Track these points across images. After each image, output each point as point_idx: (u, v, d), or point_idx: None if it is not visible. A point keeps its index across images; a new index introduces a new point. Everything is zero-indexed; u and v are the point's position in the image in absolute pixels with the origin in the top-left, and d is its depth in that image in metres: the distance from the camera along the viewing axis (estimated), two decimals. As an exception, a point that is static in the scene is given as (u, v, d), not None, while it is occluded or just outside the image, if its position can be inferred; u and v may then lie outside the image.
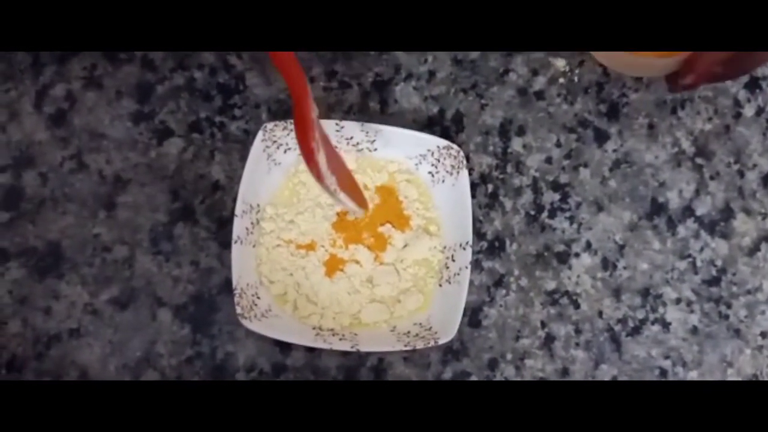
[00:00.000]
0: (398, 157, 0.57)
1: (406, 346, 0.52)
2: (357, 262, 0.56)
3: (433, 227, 0.57)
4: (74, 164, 0.57)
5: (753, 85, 0.63)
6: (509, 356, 0.58)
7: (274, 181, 0.56)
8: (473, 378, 0.58)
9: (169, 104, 0.58)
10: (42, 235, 0.56)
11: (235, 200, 0.53)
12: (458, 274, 0.54)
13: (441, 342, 0.52)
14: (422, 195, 0.58)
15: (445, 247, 0.56)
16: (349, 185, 0.51)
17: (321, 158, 0.44)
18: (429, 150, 0.56)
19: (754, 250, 0.60)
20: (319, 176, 0.43)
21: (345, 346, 0.52)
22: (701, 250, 0.60)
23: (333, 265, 0.55)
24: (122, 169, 0.57)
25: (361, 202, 0.52)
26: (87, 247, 0.56)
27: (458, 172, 0.55)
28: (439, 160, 0.57)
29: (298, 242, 0.56)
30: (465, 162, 0.55)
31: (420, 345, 0.52)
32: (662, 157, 0.60)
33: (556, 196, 0.58)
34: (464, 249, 0.55)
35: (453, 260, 0.55)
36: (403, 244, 0.56)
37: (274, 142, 0.54)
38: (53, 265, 0.56)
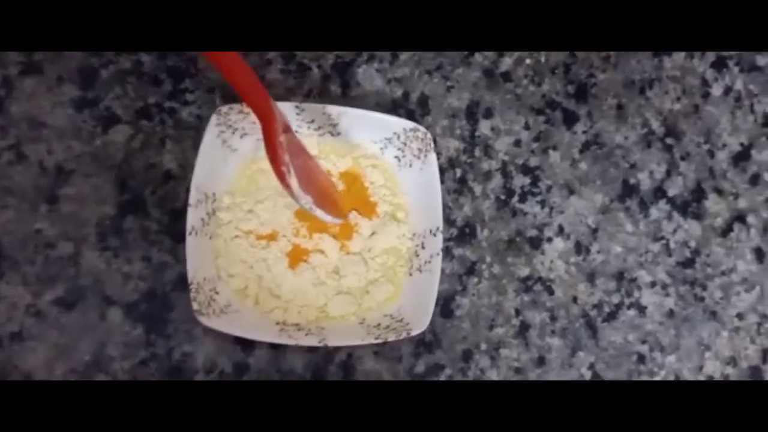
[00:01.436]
0: (363, 141, 0.54)
1: (377, 339, 0.49)
2: (322, 252, 0.52)
3: (401, 214, 0.53)
4: (12, 155, 0.53)
5: (720, 65, 0.61)
6: (484, 346, 0.55)
7: (230, 168, 0.52)
8: (447, 370, 0.54)
9: (114, 89, 0.54)
10: (-21, 232, 0.52)
11: (188, 190, 0.49)
12: (429, 262, 0.51)
13: (414, 333, 0.49)
14: (388, 180, 0.54)
15: (414, 234, 0.53)
16: (326, 197, 0.49)
17: (293, 182, 0.43)
18: (395, 133, 0.53)
19: (727, 230, 0.58)
20: (293, 197, 0.43)
21: (312, 342, 0.48)
22: (674, 231, 0.58)
23: (296, 256, 0.51)
24: (65, 160, 0.53)
25: (338, 212, 0.50)
26: (28, 244, 0.52)
27: (426, 156, 0.52)
28: (405, 144, 0.53)
29: (258, 233, 0.51)
30: (433, 144, 0.52)
31: (392, 337, 0.49)
32: (632, 138, 0.59)
33: (527, 180, 0.57)
34: (434, 235, 0.51)
35: (423, 248, 0.52)
36: (371, 232, 0.53)
37: (230, 126, 0.50)
38: (-9, 264, 0.52)
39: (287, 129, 0.44)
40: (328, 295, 0.51)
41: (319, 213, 0.46)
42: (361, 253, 0.53)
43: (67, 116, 0.54)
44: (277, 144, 0.41)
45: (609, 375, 0.56)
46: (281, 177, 0.42)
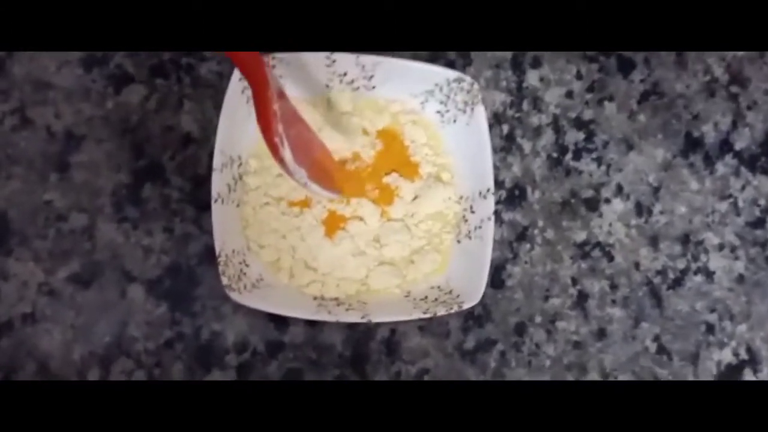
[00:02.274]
0: (401, 95, 0.48)
1: (425, 313, 0.43)
2: (361, 218, 0.46)
3: (446, 174, 0.48)
4: (17, 120, 0.49)
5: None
6: (538, 319, 0.49)
7: (256, 128, 0.46)
8: (499, 346, 0.49)
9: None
10: (-17, 205, 0.47)
11: (210, 155, 0.44)
12: (479, 228, 0.45)
13: (465, 307, 0.44)
14: (431, 138, 0.48)
15: (461, 198, 0.47)
16: (322, 169, 0.44)
17: (287, 154, 0.39)
18: (437, 84, 0.47)
19: (802, 185, 0.52)
20: (286, 171, 0.40)
21: (354, 318, 0.43)
22: (742, 188, 0.53)
23: (333, 224, 0.46)
24: (74, 124, 0.49)
25: (333, 185, 0.45)
26: (38, 217, 0.48)
27: (472, 109, 0.46)
28: (448, 96, 0.47)
29: (290, 199, 0.46)
30: (480, 96, 0.46)
31: (441, 311, 0.43)
32: (694, 87, 0.54)
33: (580, 135, 0.52)
34: (484, 198, 0.46)
35: (472, 212, 0.46)
36: (413, 196, 0.47)
37: None
38: (-1, 239, 0.47)
39: (281, 95, 0.40)
40: (369, 266, 0.46)
41: (314, 187, 0.42)
42: (404, 219, 0.47)
43: (75, 76, 0.49)
44: (270, 113, 0.38)
45: (675, 347, 0.51)
46: (274, 149, 0.39)
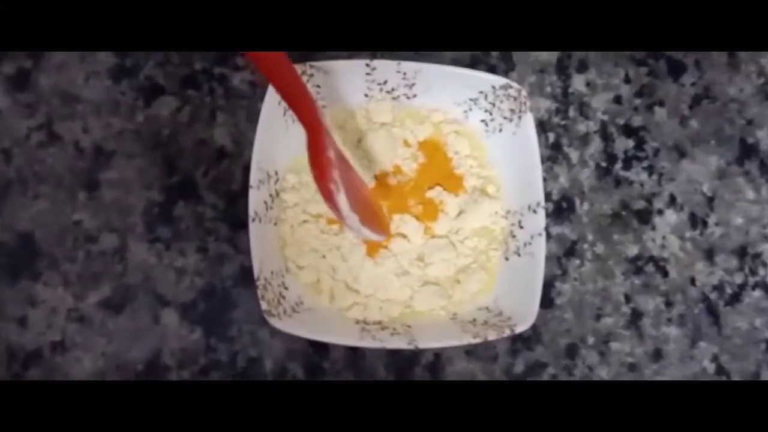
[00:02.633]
0: (443, 103, 0.46)
1: (475, 337, 0.41)
2: (404, 236, 0.44)
3: (492, 188, 0.45)
4: (43, 136, 0.47)
5: None
6: (591, 340, 0.47)
7: (293, 141, 0.44)
8: (550, 369, 0.46)
9: (155, 55, 0.45)
10: (10, 225, 0.46)
11: (245, 170, 0.41)
12: (529, 244, 0.43)
13: (518, 330, 0.41)
14: (475, 149, 0.46)
15: (508, 212, 0.45)
16: (371, 211, 0.41)
17: (341, 199, 0.36)
18: (481, 92, 0.44)
19: None
20: (340, 218, 0.37)
21: (400, 344, 0.41)
22: None
23: (374, 242, 0.43)
24: (104, 139, 0.47)
25: (383, 227, 0.42)
26: (67, 238, 0.46)
27: (520, 118, 0.44)
28: (494, 105, 0.45)
29: (330, 216, 0.43)
30: (528, 103, 0.43)
31: (492, 336, 0.41)
32: (747, 90, 0.52)
33: (630, 143, 0.50)
34: (534, 212, 0.43)
35: (521, 227, 0.44)
36: (458, 211, 0.44)
37: None
38: (26, 262, 0.45)
39: (332, 139, 0.37)
40: (414, 286, 0.44)
41: (366, 232, 0.38)
42: (449, 235, 0.45)
43: (104, 88, 0.48)
44: (325, 160, 0.36)
45: (734, 367, 0.48)
46: (329, 196, 0.36)
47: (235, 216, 0.46)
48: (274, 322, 0.40)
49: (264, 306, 0.40)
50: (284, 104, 0.43)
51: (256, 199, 0.42)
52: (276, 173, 0.44)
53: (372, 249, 0.44)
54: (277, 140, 0.43)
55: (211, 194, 0.46)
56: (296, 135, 0.44)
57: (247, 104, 0.48)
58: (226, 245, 0.46)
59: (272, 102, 0.43)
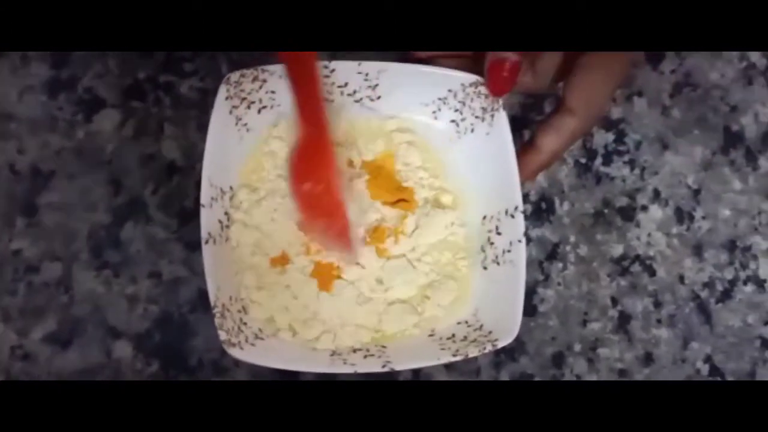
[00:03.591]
0: (410, 105, 0.42)
1: (454, 355, 0.38)
2: (356, 263, 0.40)
3: (447, 197, 0.42)
4: None
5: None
6: (578, 347, 0.44)
7: (248, 153, 0.40)
8: (536, 380, 0.43)
9: (94, 65, 0.42)
10: (-58, 258, 0.42)
11: (198, 185, 0.38)
12: (508, 251, 0.39)
13: (501, 345, 0.38)
14: (428, 160, 0.43)
15: (485, 218, 0.41)
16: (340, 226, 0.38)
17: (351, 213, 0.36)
18: (450, 90, 0.41)
19: None
20: (343, 236, 0.37)
21: (374, 366, 0.38)
22: None
23: (325, 275, 0.40)
24: (41, 159, 0.43)
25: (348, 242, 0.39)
26: (5, 270, 0.42)
27: (492, 116, 0.40)
28: (464, 103, 0.41)
29: (271, 255, 0.39)
30: (501, 101, 0.39)
31: (473, 352, 0.38)
32: (730, 75, 0.49)
33: (610, 137, 0.47)
34: (512, 217, 0.40)
35: (498, 233, 0.40)
36: (412, 228, 0.41)
37: (243, 99, 0.40)
38: (-39, 298, 0.42)
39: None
40: (379, 310, 0.40)
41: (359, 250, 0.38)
42: (405, 254, 0.41)
43: (39, 104, 0.44)
44: (334, 170, 0.35)
45: (729, 366, 0.46)
46: (337, 211, 0.35)
47: (189, 235, 0.43)
48: (235, 353, 0.37)
49: (222, 336, 0.37)
50: (236, 113, 0.40)
51: (208, 219, 0.38)
52: (231, 188, 0.40)
53: (324, 282, 0.40)
54: (229, 152, 0.40)
55: (162, 213, 0.43)
56: (251, 146, 0.40)
57: (197, 114, 0.44)
58: (181, 268, 0.43)
59: (223, 110, 0.39)
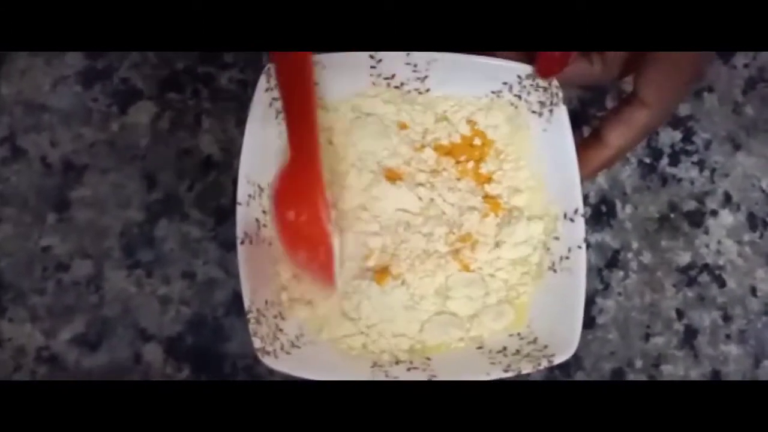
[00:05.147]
0: (462, 97, 0.38)
1: (506, 371, 0.34)
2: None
3: (521, 199, 0.37)
4: (6, 151, 0.41)
5: None
6: (639, 363, 0.40)
7: (287, 148, 0.37)
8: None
9: (131, 55, 0.41)
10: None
11: (236, 181, 0.35)
12: (566, 258, 0.36)
13: (558, 361, 0.34)
14: (512, 152, 0.38)
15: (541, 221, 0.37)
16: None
17: (336, 246, 0.33)
18: (505, 83, 0.38)
19: None
20: (327, 267, 0.34)
21: (418, 378, 0.33)
22: None
23: (382, 270, 0.36)
24: (74, 152, 0.41)
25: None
26: (34, 267, 0.40)
27: (551, 111, 0.37)
28: (520, 97, 0.37)
29: None
30: (561, 94, 0.35)
31: (527, 368, 0.34)
32: None
33: (677, 135, 0.44)
34: (572, 221, 0.36)
35: (556, 238, 0.36)
36: (495, 239, 0.37)
37: None
38: (-10, 295, 0.40)
39: None
40: (422, 318, 0.36)
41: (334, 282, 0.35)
42: (483, 267, 0.37)
43: (73, 95, 0.42)
44: (322, 199, 0.32)
45: (806, 389, 0.39)
46: (323, 241, 0.33)
47: (225, 235, 0.40)
48: (270, 362, 0.33)
49: (257, 343, 0.33)
50: (276, 105, 0.36)
51: (245, 218, 0.35)
52: (270, 185, 0.37)
53: (380, 275, 0.37)
54: (269, 147, 0.36)
55: (197, 211, 0.41)
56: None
57: (236, 107, 0.42)
58: (216, 269, 0.40)
59: (262, 102, 0.36)
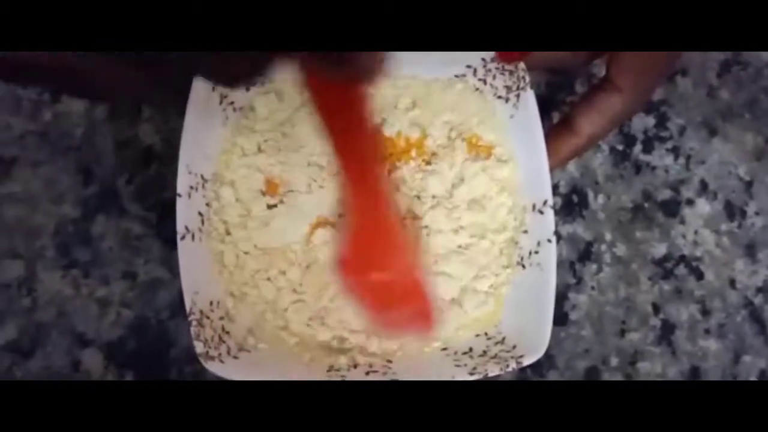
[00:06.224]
0: (425, 81, 0.35)
1: (471, 374, 0.31)
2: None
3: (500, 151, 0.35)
4: None
5: None
6: (614, 361, 0.37)
7: (231, 136, 0.34)
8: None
9: None
10: None
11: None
12: (536, 252, 0.33)
13: (527, 362, 0.31)
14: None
15: (508, 213, 0.34)
16: None
17: None
18: (469, 67, 0.35)
19: None
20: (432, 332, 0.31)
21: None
22: None
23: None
24: (2, 144, 0.38)
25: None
26: None
27: (518, 96, 0.34)
28: (485, 81, 0.35)
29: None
30: (528, 78, 0.33)
31: (494, 370, 0.31)
32: None
33: (650, 121, 0.42)
34: (541, 213, 0.33)
35: (524, 231, 0.33)
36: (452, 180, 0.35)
37: None
38: None
39: None
40: None
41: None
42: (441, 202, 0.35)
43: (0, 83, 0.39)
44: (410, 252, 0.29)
45: (788, 384, 0.37)
46: (425, 313, 0.30)
47: (168, 231, 0.37)
48: (214, 368, 0.30)
49: (199, 348, 0.30)
50: (220, 90, 0.33)
51: (186, 211, 0.32)
52: (214, 176, 0.34)
53: None
54: (211, 135, 0.34)
55: (138, 206, 0.38)
56: (235, 127, 0.34)
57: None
58: (160, 268, 0.37)
59: (204, 87, 0.33)
